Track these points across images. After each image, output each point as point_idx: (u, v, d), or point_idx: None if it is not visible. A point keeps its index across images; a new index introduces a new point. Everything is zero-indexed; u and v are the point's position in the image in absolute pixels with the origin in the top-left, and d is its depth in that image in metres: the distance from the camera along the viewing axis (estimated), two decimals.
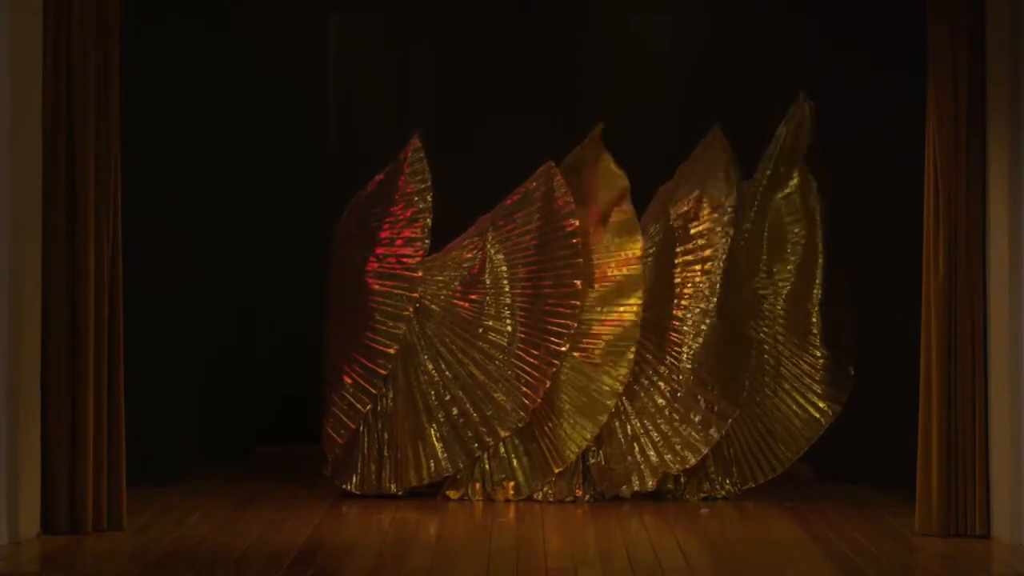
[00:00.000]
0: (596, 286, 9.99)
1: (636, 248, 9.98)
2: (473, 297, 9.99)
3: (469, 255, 10.07)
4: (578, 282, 9.90)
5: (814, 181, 10.22)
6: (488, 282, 9.99)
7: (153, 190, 10.06)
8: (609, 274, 10.00)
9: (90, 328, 8.65)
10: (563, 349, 9.88)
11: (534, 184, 10.09)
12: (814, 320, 10.20)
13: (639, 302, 9.93)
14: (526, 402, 9.86)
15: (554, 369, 9.87)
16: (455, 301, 10.00)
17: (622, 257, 9.98)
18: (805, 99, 10.21)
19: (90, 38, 8.66)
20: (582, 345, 9.95)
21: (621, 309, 9.95)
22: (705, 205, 10.02)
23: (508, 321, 9.97)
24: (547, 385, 9.86)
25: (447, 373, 9.93)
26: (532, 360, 9.89)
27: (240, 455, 11.13)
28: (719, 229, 9.96)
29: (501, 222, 10.07)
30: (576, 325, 9.89)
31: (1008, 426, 8.57)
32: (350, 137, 11.49)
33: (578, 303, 9.90)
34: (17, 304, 8.47)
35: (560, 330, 9.89)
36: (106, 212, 8.71)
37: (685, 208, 10.05)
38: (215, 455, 10.86)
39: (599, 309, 9.97)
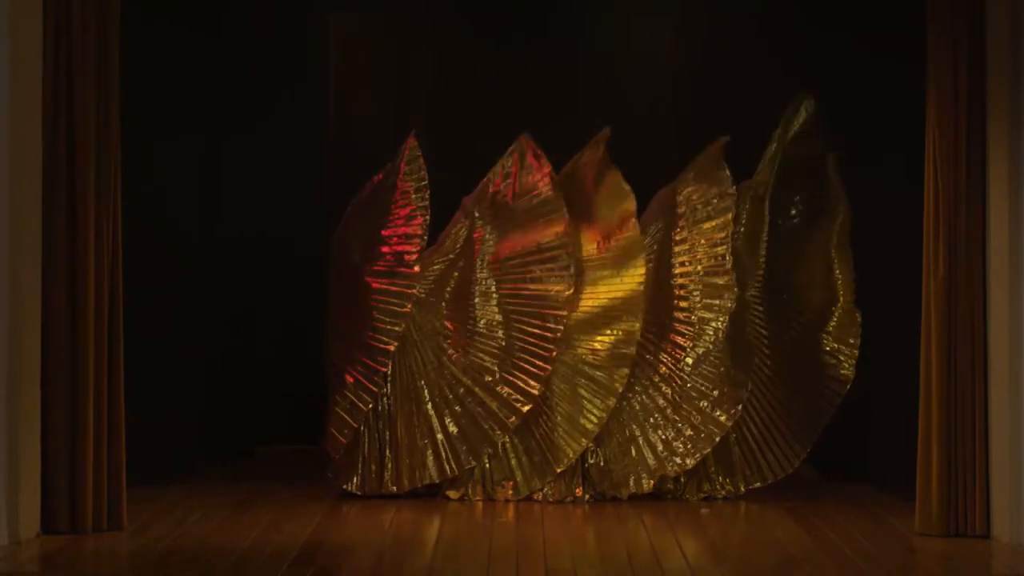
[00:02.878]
0: (598, 297, 9.98)
1: (639, 270, 9.96)
2: (467, 290, 9.97)
3: (459, 245, 10.07)
4: (569, 277, 9.89)
5: (824, 174, 10.23)
6: (480, 273, 9.96)
7: (153, 190, 10.06)
8: (611, 289, 9.98)
9: (90, 328, 8.65)
10: (559, 335, 9.84)
11: (510, 160, 10.08)
12: (813, 320, 10.21)
13: (641, 309, 9.92)
14: (530, 391, 9.82)
15: (552, 354, 9.82)
16: (451, 295, 9.99)
17: (624, 279, 9.97)
18: (804, 96, 10.22)
19: (90, 38, 8.66)
20: (584, 347, 9.95)
21: (623, 318, 9.93)
22: (706, 206, 10.02)
23: (503, 312, 9.93)
24: (548, 372, 9.83)
25: (446, 371, 9.93)
26: (531, 349, 9.86)
27: (240, 455, 11.13)
28: (721, 231, 9.96)
29: (486, 206, 10.06)
30: (567, 314, 9.87)
31: (1008, 426, 8.57)
32: (349, 137, 11.50)
33: (572, 285, 9.87)
34: (17, 305, 8.46)
35: (555, 315, 9.86)
36: (106, 212, 8.71)
37: (685, 209, 10.05)
38: (215, 455, 10.86)
39: (601, 315, 9.95)
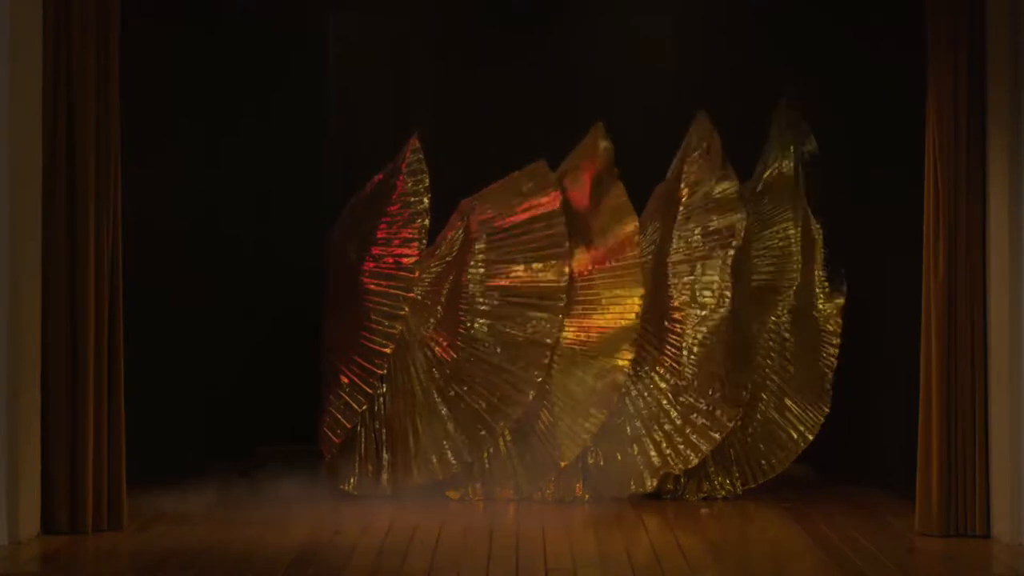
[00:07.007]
0: (595, 293, 9.98)
1: (631, 225, 9.92)
2: (463, 290, 9.96)
3: (455, 249, 10.07)
4: (566, 269, 9.88)
5: (805, 181, 10.24)
6: (477, 271, 9.96)
7: (153, 190, 10.06)
8: (607, 281, 9.98)
9: (90, 329, 8.65)
10: (554, 341, 9.85)
11: (520, 175, 10.08)
12: (809, 320, 10.22)
13: (639, 304, 9.92)
14: (521, 395, 9.82)
15: (546, 361, 9.82)
16: (446, 298, 9.99)
17: (619, 264, 9.96)
18: (785, 101, 10.24)
19: (90, 38, 8.66)
20: (582, 345, 9.94)
21: (619, 313, 9.93)
22: (705, 202, 10.03)
23: (499, 311, 9.92)
24: (541, 378, 9.83)
25: (446, 371, 9.92)
26: (527, 346, 9.86)
27: (240, 455, 11.12)
28: (720, 232, 9.96)
29: (486, 211, 10.06)
30: (562, 319, 9.86)
31: (1008, 426, 8.57)
32: (349, 137, 11.49)
33: (564, 297, 9.86)
34: (17, 305, 8.47)
35: (548, 317, 9.87)
36: (106, 212, 8.71)
37: (683, 207, 10.05)
38: (215, 455, 10.86)
39: (598, 314, 9.95)
